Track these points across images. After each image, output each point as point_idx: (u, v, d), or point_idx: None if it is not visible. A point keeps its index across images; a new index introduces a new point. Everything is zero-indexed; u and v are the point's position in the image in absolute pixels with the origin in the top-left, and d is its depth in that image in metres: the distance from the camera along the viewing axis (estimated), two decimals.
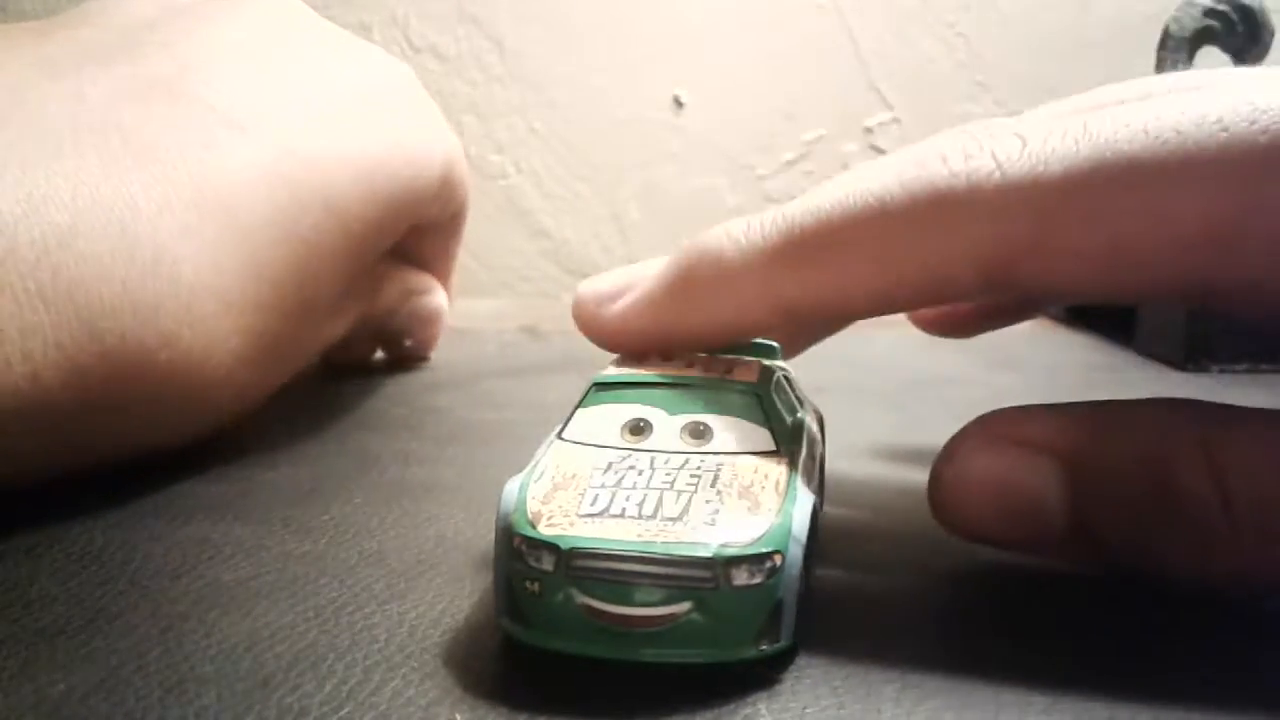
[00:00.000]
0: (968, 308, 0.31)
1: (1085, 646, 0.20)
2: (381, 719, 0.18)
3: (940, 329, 0.32)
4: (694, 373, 0.23)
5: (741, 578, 0.18)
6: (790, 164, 0.88)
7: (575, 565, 0.18)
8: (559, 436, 0.23)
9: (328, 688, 0.19)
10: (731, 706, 0.18)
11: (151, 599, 0.23)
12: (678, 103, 0.88)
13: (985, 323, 0.32)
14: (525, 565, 0.19)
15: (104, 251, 0.27)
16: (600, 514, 0.19)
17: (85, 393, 0.27)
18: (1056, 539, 0.22)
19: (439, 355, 0.53)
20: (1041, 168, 0.20)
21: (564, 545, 0.19)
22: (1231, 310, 0.22)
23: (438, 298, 0.49)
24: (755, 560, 0.18)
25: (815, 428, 0.25)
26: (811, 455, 0.23)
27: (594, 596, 0.18)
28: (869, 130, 0.88)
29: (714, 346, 0.25)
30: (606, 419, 0.23)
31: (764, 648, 0.19)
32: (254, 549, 0.26)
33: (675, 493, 0.20)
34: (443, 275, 0.50)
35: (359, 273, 0.38)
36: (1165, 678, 0.19)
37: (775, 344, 0.26)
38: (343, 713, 0.18)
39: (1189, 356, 0.49)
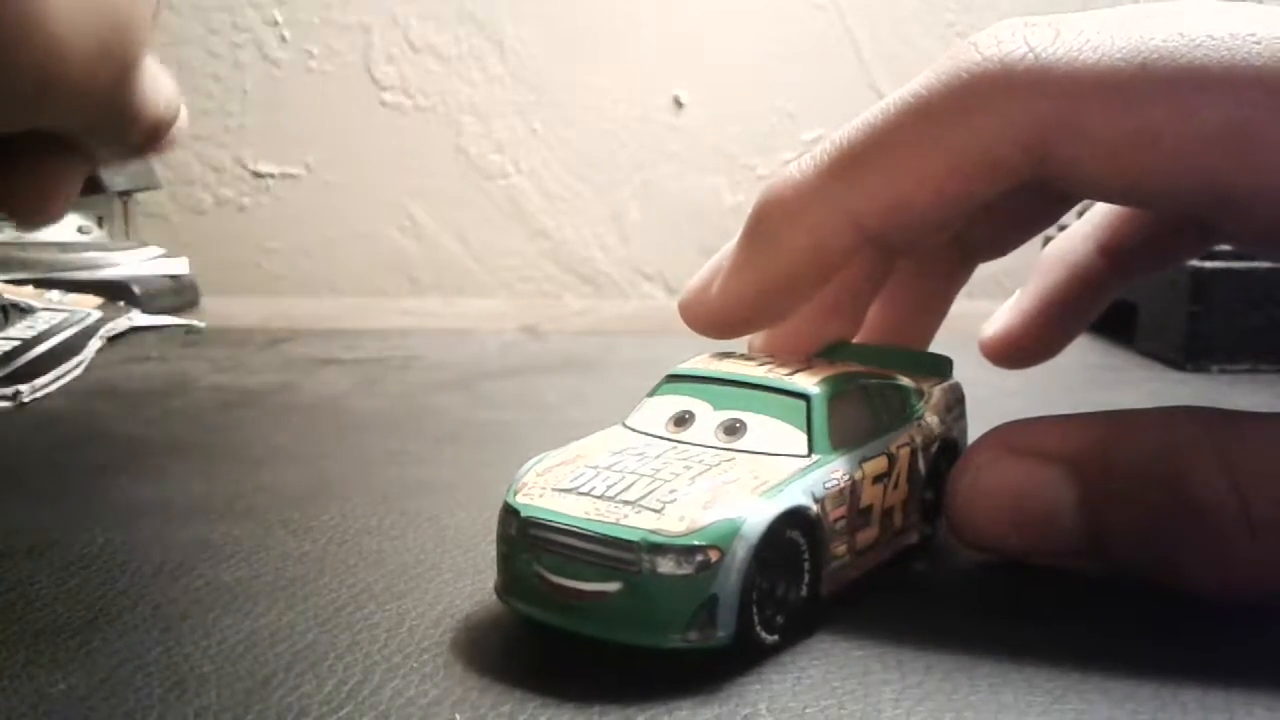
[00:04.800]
0: (1031, 326, 0.31)
1: (1086, 647, 0.20)
2: (381, 719, 0.18)
3: (1010, 358, 0.32)
4: (758, 372, 0.23)
5: (667, 566, 0.18)
6: (790, 164, 0.88)
7: (529, 534, 0.20)
8: (622, 422, 0.23)
9: (328, 688, 0.19)
10: (732, 706, 0.18)
11: (151, 599, 0.23)
12: (678, 103, 0.88)
13: (1050, 338, 0.32)
14: (501, 529, 0.20)
15: None
16: (571, 490, 0.20)
17: None
18: (1072, 550, 0.22)
19: (439, 355, 0.53)
20: (1075, 53, 0.20)
21: (523, 513, 0.20)
22: (1242, 227, 0.22)
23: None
24: (684, 552, 0.18)
25: (910, 446, 0.24)
26: (859, 468, 0.22)
27: (542, 565, 0.19)
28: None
29: (810, 285, 0.24)
30: (661, 409, 0.23)
31: (693, 640, 0.19)
32: (254, 549, 0.26)
33: (650, 479, 0.20)
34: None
35: None
36: (1166, 678, 0.19)
37: (948, 358, 0.27)
38: (343, 713, 0.18)
39: (1189, 356, 0.49)
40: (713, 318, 0.25)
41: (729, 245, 0.25)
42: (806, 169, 0.23)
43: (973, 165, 0.22)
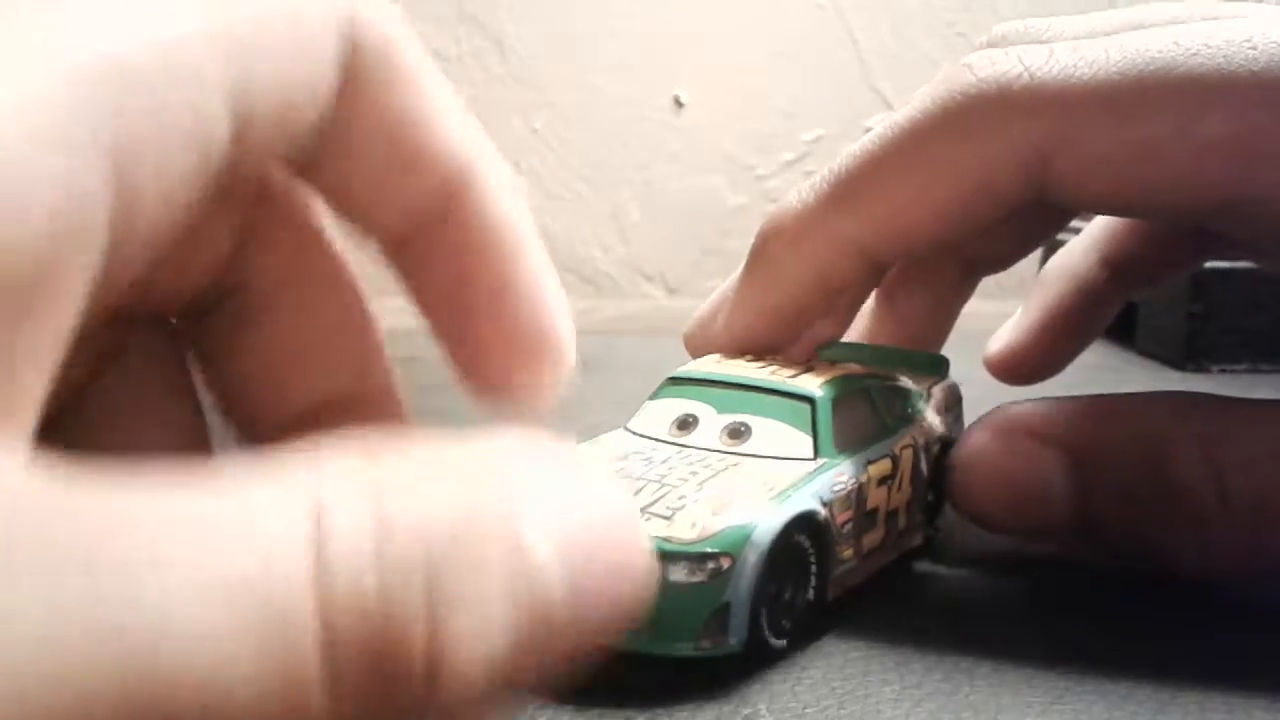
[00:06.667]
0: (1036, 342, 0.31)
1: (1086, 647, 0.20)
2: None
3: (1017, 375, 0.32)
4: (761, 374, 0.23)
5: (680, 574, 0.18)
6: (790, 164, 0.88)
7: None
8: (624, 426, 0.23)
9: None
10: (732, 706, 0.18)
11: None
12: (678, 103, 0.88)
13: (1056, 353, 0.32)
14: None
15: None
16: None
17: None
18: (1062, 526, 0.22)
19: (439, 355, 0.53)
20: (1071, 70, 0.21)
21: None
22: (1246, 235, 0.22)
23: None
24: (696, 559, 0.18)
25: (913, 448, 0.24)
26: (864, 472, 0.22)
27: None
28: (869, 130, 0.88)
29: (814, 312, 0.25)
30: (663, 412, 0.23)
31: (706, 647, 0.19)
32: None
33: (658, 485, 0.20)
34: None
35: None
36: (1166, 678, 0.19)
37: (944, 357, 0.28)
38: None
39: (1189, 356, 0.50)
40: (719, 349, 0.26)
41: (733, 277, 0.26)
42: (807, 198, 0.24)
43: (972, 188, 0.22)
